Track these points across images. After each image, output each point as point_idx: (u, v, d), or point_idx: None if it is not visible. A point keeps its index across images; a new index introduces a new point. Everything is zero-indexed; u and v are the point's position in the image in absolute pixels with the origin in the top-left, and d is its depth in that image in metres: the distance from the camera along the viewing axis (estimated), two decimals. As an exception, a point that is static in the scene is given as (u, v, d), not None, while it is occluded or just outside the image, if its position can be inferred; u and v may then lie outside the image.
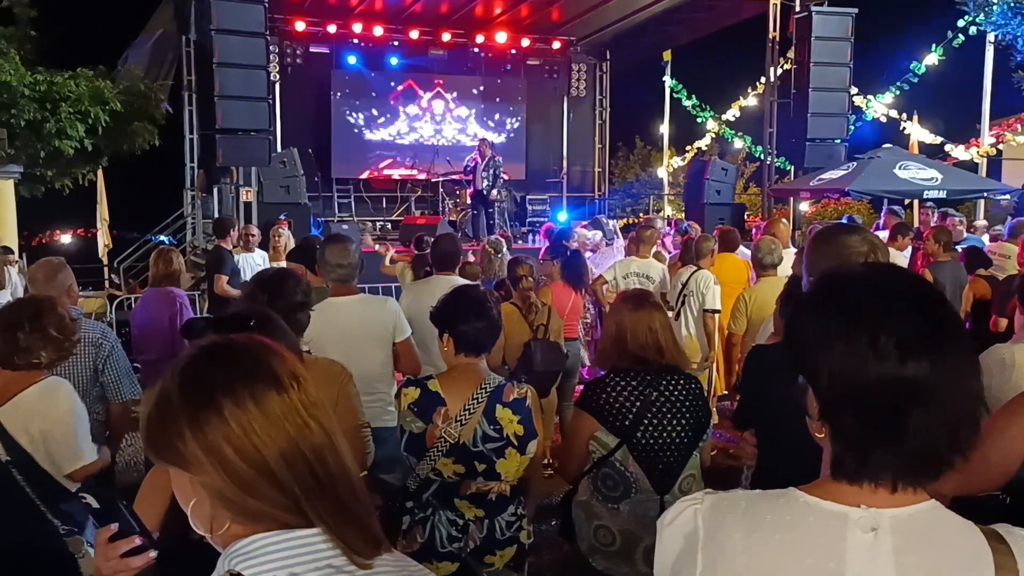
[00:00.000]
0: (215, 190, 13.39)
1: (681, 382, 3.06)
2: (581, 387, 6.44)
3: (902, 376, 1.07)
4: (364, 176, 17.55)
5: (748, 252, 7.70)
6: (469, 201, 14.92)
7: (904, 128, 15.52)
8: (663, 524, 1.25)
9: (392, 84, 17.79)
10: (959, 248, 7.69)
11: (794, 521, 1.13)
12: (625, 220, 17.96)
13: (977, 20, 12.77)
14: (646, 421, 2.96)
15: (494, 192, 14.29)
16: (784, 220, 8.97)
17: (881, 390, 1.08)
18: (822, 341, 1.13)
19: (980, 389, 1.15)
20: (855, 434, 1.11)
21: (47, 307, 3.18)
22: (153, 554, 1.49)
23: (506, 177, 15.39)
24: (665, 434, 2.98)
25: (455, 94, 18.29)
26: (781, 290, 3.73)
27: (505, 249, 7.10)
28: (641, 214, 19.63)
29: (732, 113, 17.54)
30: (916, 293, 1.14)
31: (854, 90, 14.15)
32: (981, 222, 12.52)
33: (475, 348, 2.88)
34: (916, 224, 10.53)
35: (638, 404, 2.97)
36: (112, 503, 1.55)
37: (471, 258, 7.39)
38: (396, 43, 17.27)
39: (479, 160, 14.27)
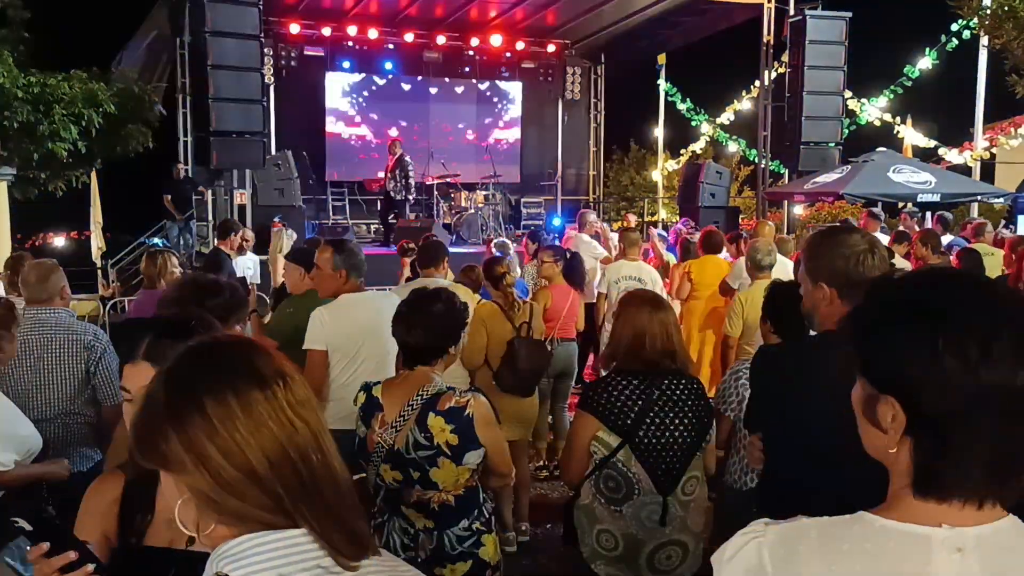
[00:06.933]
0: (209, 192, 13.41)
1: (683, 382, 3.04)
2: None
3: (1015, 384, 1.03)
4: (358, 178, 17.53)
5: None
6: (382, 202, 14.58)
7: (898, 132, 15.57)
8: (722, 560, 1.19)
9: (387, 87, 17.79)
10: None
11: (875, 548, 1.08)
12: (619, 223, 17.97)
13: (970, 24, 12.81)
14: (648, 420, 2.94)
15: (409, 195, 13.97)
16: (770, 223, 8.99)
17: (990, 401, 1.03)
18: (921, 352, 1.06)
19: None
20: (956, 448, 1.06)
21: None
22: (91, 567, 1.49)
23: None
24: (667, 434, 2.96)
25: (450, 97, 18.28)
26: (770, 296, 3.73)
27: (512, 251, 7.06)
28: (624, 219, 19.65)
29: (727, 116, 17.57)
30: (1013, 297, 1.10)
31: (848, 94, 14.20)
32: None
33: (408, 360, 2.90)
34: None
35: (640, 403, 2.95)
36: (45, 521, 1.54)
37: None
38: (391, 46, 17.26)
39: (391, 160, 13.88)
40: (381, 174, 14.66)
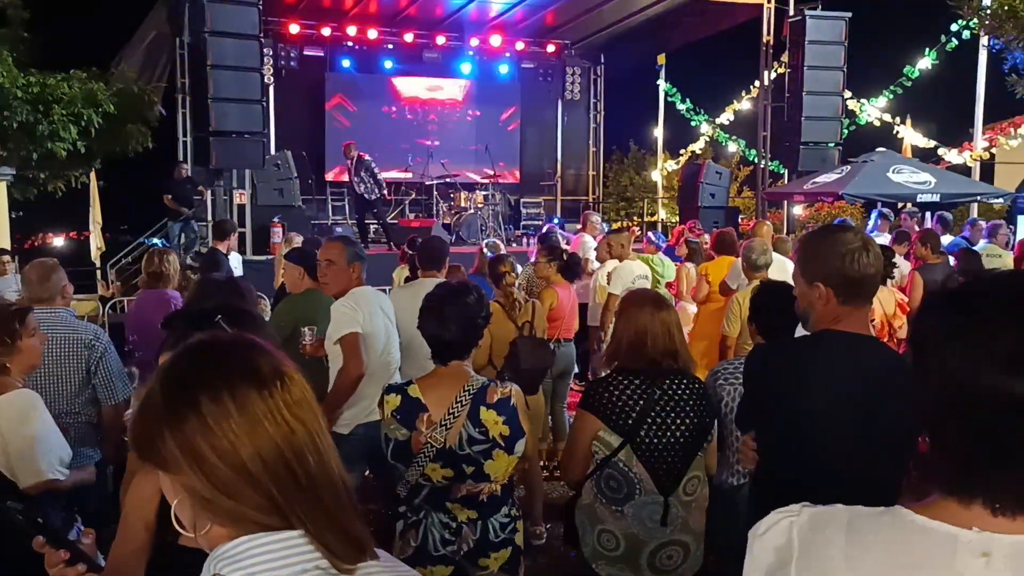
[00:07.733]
0: (209, 192, 13.39)
1: (684, 382, 3.04)
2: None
3: (1015, 391, 0.98)
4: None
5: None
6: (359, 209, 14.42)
7: (897, 132, 15.57)
8: (755, 534, 1.19)
9: (386, 87, 17.80)
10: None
11: (899, 540, 1.06)
12: (618, 224, 17.96)
13: (970, 24, 12.82)
14: (649, 420, 2.94)
15: (382, 192, 13.85)
16: (768, 223, 8.96)
17: (991, 403, 0.99)
18: (936, 340, 1.06)
19: None
20: (956, 446, 1.04)
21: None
22: (83, 568, 1.49)
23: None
24: (668, 433, 2.96)
25: (449, 97, 18.29)
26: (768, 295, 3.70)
27: (503, 250, 7.05)
28: (618, 223, 19.63)
29: (726, 117, 17.56)
30: None
31: (848, 94, 14.21)
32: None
33: (441, 356, 2.86)
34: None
35: (641, 402, 2.95)
36: (32, 520, 1.54)
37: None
38: (390, 46, 17.27)
39: (349, 163, 13.71)
40: (345, 177, 14.59)
